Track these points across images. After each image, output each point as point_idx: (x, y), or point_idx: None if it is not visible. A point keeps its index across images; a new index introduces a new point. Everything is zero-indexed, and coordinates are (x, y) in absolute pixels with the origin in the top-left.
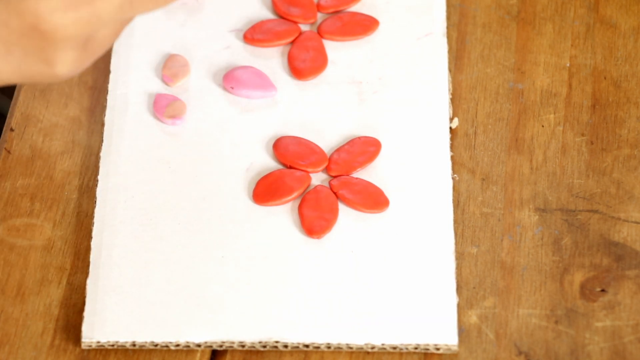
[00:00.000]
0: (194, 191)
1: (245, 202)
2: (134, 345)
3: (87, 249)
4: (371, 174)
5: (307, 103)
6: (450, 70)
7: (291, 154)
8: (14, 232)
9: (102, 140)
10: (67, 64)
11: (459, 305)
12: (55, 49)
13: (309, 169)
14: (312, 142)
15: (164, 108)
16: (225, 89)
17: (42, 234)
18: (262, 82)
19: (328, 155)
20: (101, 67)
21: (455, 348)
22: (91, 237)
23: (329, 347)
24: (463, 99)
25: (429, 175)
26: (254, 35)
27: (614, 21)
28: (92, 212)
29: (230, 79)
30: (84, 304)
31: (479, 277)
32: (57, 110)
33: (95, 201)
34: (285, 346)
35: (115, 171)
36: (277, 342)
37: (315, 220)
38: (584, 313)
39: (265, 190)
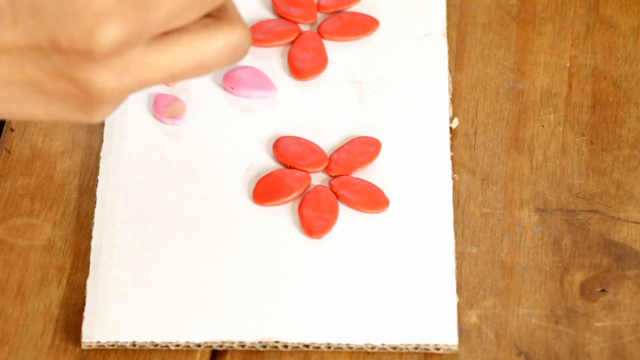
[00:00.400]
0: (194, 191)
1: (245, 202)
2: (134, 345)
3: (87, 249)
4: (371, 174)
5: (307, 103)
6: (450, 70)
7: (291, 154)
8: (14, 232)
9: (102, 140)
10: (105, 115)
11: (459, 305)
12: (97, 106)
13: (309, 169)
14: (312, 142)
15: (164, 108)
16: (225, 89)
17: (42, 234)
18: (262, 82)
19: (328, 155)
20: None
21: (455, 348)
22: (91, 237)
23: (329, 347)
24: (463, 99)
25: (429, 175)
26: (254, 35)
27: (614, 21)
28: (92, 212)
29: (230, 79)
30: (84, 304)
31: (479, 277)
32: None
33: (95, 201)
34: (285, 346)
35: (115, 171)
36: (277, 342)
37: (315, 220)
38: (584, 313)
39: (265, 190)
